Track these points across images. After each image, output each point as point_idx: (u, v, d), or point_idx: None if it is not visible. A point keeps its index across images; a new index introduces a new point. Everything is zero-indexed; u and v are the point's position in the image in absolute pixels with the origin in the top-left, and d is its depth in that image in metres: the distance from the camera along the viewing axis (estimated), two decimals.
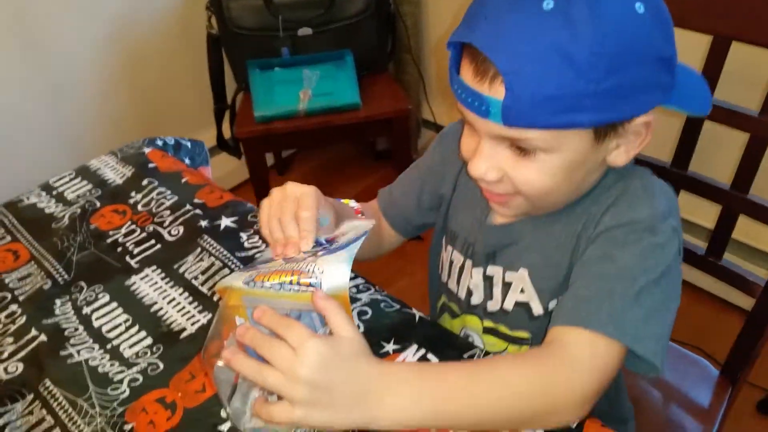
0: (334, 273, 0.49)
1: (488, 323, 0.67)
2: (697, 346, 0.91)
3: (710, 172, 0.80)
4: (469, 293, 0.68)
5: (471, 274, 0.67)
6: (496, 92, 0.49)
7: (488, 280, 0.66)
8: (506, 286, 0.64)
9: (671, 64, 0.52)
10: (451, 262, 0.70)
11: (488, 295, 0.66)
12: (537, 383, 0.49)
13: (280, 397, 0.47)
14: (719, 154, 0.96)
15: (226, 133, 1.65)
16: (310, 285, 0.48)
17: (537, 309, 0.63)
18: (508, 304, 0.64)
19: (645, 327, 0.51)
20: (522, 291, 0.63)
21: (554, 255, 0.60)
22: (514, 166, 0.54)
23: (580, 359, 0.50)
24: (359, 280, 0.68)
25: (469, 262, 0.67)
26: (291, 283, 0.49)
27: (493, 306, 0.66)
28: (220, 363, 0.48)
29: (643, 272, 0.52)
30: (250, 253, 0.73)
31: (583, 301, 0.52)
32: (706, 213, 0.95)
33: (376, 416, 0.47)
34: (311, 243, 0.53)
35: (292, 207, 0.55)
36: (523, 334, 0.65)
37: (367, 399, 0.47)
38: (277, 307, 0.49)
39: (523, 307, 0.63)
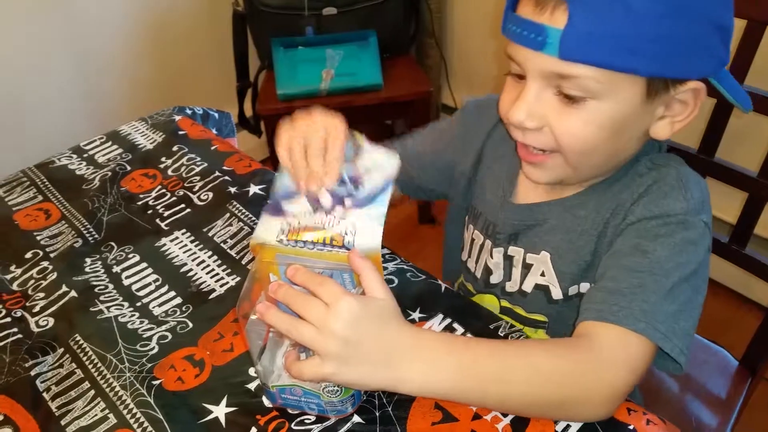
0: (367, 234, 0.49)
1: (505, 303, 0.67)
2: (715, 341, 0.90)
3: (736, 162, 0.79)
4: (488, 272, 0.67)
5: (491, 254, 0.67)
6: (557, 21, 0.48)
7: (508, 260, 0.65)
8: (526, 268, 0.64)
9: (728, 36, 0.51)
10: (473, 241, 0.70)
11: (507, 275, 0.66)
12: (567, 370, 0.48)
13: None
14: (746, 144, 0.95)
15: (248, 111, 1.66)
16: (343, 246, 0.49)
17: (556, 293, 0.62)
18: (527, 287, 0.64)
19: (675, 325, 0.50)
20: (542, 274, 0.62)
21: (579, 240, 0.59)
22: (559, 115, 0.52)
23: (613, 355, 0.49)
24: (384, 251, 0.68)
25: (488, 243, 0.67)
26: (324, 242, 0.49)
27: (511, 287, 0.65)
28: (253, 316, 0.49)
29: (676, 268, 0.51)
30: None
31: (614, 295, 0.51)
32: (727, 207, 0.94)
33: (403, 378, 0.47)
34: (335, 179, 0.50)
35: (320, 136, 0.51)
36: (541, 317, 0.65)
37: (395, 360, 0.47)
38: (310, 266, 0.49)
39: (542, 290, 0.63)
